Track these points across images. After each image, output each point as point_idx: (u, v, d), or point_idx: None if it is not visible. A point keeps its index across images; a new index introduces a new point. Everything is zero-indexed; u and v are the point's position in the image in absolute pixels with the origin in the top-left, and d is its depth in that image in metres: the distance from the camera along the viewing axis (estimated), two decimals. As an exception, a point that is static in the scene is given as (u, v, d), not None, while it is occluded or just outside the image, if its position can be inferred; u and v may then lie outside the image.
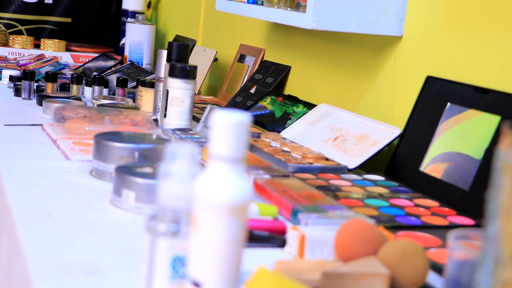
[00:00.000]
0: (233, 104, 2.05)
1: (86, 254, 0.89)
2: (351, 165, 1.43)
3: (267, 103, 1.87)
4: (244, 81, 2.12)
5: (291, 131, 1.65)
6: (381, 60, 1.57)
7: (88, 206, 1.08)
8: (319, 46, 1.83)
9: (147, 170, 1.11)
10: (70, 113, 1.51)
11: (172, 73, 1.67)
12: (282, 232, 1.02)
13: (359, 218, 0.98)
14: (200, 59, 2.33)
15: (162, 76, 1.78)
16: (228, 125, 0.67)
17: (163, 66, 1.78)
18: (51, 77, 1.95)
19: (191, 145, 0.73)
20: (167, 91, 1.67)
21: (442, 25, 1.40)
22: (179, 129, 1.64)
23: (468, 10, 1.34)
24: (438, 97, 1.37)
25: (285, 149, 1.54)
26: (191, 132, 1.63)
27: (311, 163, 1.44)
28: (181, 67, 1.66)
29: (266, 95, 1.91)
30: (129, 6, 2.87)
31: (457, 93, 1.34)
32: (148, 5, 2.99)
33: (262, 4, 1.71)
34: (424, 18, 1.45)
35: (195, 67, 1.68)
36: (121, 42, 2.86)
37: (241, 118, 0.67)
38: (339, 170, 1.42)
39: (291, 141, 1.59)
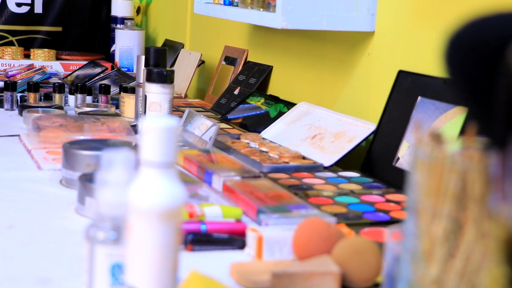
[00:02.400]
0: (218, 106, 2.05)
1: (41, 264, 0.89)
2: (327, 163, 1.43)
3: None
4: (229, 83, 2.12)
5: (271, 131, 1.65)
6: (356, 56, 1.57)
7: (52, 215, 1.08)
8: (298, 45, 1.83)
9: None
10: (46, 122, 1.51)
11: (149, 78, 1.66)
12: (244, 234, 1.01)
13: (316, 217, 0.98)
14: (186, 62, 2.33)
15: (142, 81, 1.78)
16: (157, 131, 0.67)
17: (142, 71, 1.78)
18: (33, 87, 1.95)
19: (126, 151, 0.72)
20: (146, 96, 1.67)
21: (411, 19, 1.39)
22: (158, 134, 1.63)
23: (436, 4, 1.33)
24: (410, 91, 1.37)
25: (263, 149, 1.53)
26: (170, 136, 1.63)
27: (287, 163, 1.43)
28: (158, 72, 1.65)
29: (249, 96, 1.91)
30: (118, 13, 2.86)
31: (427, 86, 1.33)
32: (137, 11, 2.99)
33: (237, 6, 1.70)
34: (395, 13, 1.45)
35: (172, 71, 1.67)
36: (112, 49, 2.86)
37: (169, 123, 0.67)
38: (315, 168, 1.42)
39: (270, 141, 1.59)
